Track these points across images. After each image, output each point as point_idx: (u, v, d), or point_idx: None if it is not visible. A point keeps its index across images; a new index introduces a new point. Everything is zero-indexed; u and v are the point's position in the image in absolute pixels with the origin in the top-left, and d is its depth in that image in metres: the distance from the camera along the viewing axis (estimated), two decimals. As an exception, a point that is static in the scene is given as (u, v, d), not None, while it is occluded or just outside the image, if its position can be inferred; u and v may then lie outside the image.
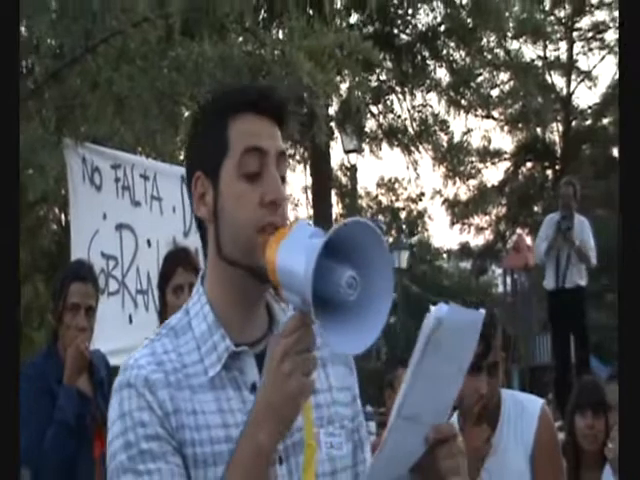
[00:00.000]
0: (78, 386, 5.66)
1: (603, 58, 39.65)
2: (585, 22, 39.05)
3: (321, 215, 30.94)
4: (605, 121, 40.14)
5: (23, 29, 11.05)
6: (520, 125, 39.31)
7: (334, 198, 33.61)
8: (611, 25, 38.66)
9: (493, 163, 41.18)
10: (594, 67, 40.03)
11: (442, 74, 32.92)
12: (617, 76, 39.35)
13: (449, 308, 2.21)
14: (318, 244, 2.10)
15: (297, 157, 31.45)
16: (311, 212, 32.22)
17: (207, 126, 2.56)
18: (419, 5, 31.40)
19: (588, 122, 40.28)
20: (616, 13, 38.29)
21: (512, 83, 36.77)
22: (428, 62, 32.35)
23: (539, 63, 38.38)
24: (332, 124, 23.12)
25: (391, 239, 45.67)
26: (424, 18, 32.04)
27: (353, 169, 30.94)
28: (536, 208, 40.80)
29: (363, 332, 2.15)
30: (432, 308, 2.23)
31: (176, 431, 2.43)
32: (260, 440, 2.28)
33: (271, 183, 2.48)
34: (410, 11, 31.70)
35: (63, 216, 14.55)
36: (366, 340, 2.15)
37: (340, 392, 2.58)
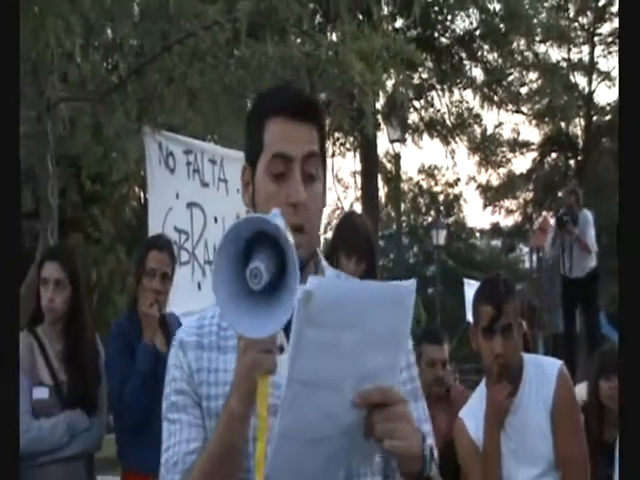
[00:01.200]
0: (155, 343, 5.71)
1: (621, 61, 39.32)
2: (605, 28, 38.71)
3: (368, 197, 31.02)
4: (622, 117, 39.86)
5: (109, 31, 11.08)
6: (546, 119, 39.10)
7: (380, 182, 33.44)
8: (629, 32, 38.35)
9: (522, 153, 40.97)
10: (613, 68, 39.64)
11: (477, 73, 33.00)
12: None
13: (318, 282, 2.10)
14: (222, 246, 2.11)
15: (347, 145, 31.41)
16: (359, 194, 32.18)
17: (252, 124, 2.54)
18: (457, 12, 31.41)
19: (607, 117, 39.88)
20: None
21: (539, 82, 36.68)
22: (464, 62, 32.33)
23: (564, 64, 38.10)
24: (379, 117, 23.02)
25: (430, 219, 45.60)
26: (461, 23, 32.11)
27: (397, 157, 30.70)
28: (560, 193, 40.57)
29: (271, 318, 2.10)
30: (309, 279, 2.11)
31: (198, 387, 2.48)
32: (231, 405, 2.25)
33: (293, 186, 2.44)
34: (449, 17, 31.70)
35: (142, 194, 14.58)
36: (271, 326, 2.10)
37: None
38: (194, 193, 8.38)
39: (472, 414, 4.89)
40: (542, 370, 4.81)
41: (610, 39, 38.57)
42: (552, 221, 14.46)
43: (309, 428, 2.14)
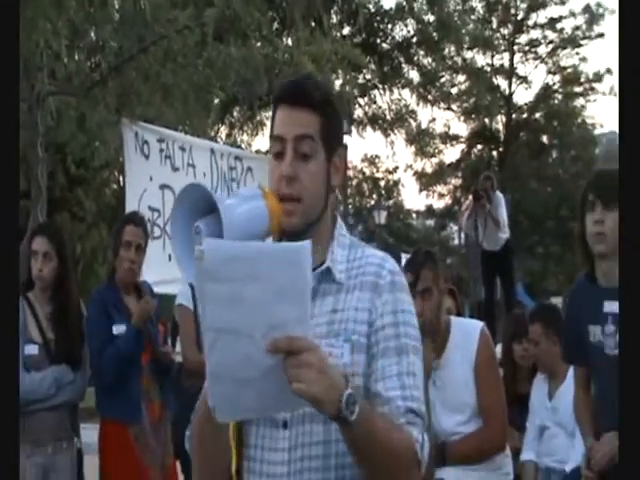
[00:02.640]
0: (129, 307, 5.72)
1: (536, 66, 39.64)
2: (523, 38, 39.07)
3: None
4: (537, 115, 40.22)
5: (92, 33, 11.02)
6: (473, 116, 39.30)
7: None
8: (542, 41, 38.70)
9: (452, 145, 41.14)
10: (529, 73, 39.92)
11: (413, 75, 33.22)
12: (547, 79, 39.49)
13: (211, 242, 2.13)
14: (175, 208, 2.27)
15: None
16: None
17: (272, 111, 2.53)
18: (396, 22, 31.53)
19: (524, 115, 40.22)
20: (547, 32, 38.47)
21: (467, 84, 37.00)
22: (403, 65, 32.52)
23: (488, 69, 38.37)
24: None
25: (372, 202, 45.67)
26: (400, 32, 32.37)
27: (344, 148, 30.92)
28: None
29: None
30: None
31: None
32: None
33: (285, 162, 2.41)
34: (389, 26, 31.82)
35: (121, 178, 14.53)
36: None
37: (359, 312, 2.40)
38: (166, 176, 8.37)
39: (406, 369, 4.92)
40: (466, 331, 4.85)
41: (527, 48, 38.98)
42: (469, 198, 14.62)
43: (233, 370, 2.14)
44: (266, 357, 2.13)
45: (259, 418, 2.39)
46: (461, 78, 36.76)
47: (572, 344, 4.64)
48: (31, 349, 5.47)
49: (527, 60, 39.60)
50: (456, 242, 40.10)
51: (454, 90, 36.98)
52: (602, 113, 66.24)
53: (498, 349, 5.88)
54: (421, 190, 43.67)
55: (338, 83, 17.97)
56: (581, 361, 4.58)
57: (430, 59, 32.76)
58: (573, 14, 38.19)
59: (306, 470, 2.35)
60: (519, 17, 38.73)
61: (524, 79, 39.73)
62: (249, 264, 2.13)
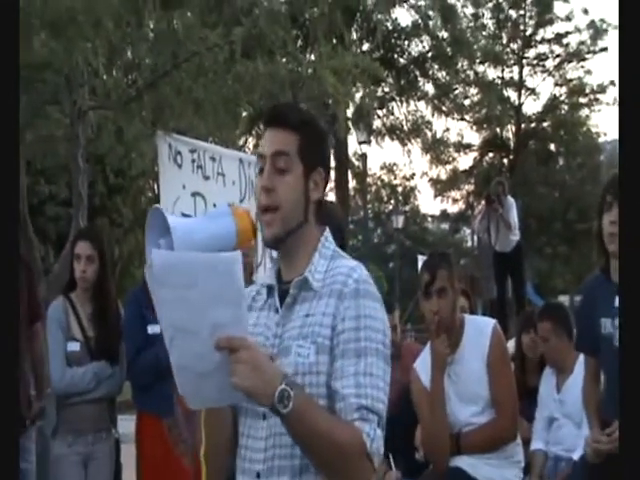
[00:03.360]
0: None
1: (544, 79, 39.49)
2: (531, 53, 38.85)
3: (340, 188, 31.10)
4: (545, 124, 40.08)
5: (129, 52, 11.04)
6: (484, 126, 39.14)
7: (350, 176, 33.42)
8: (549, 55, 38.55)
9: (465, 153, 41.00)
10: (537, 85, 39.78)
11: (429, 88, 33.18)
12: (554, 91, 39.35)
13: (157, 253, 2.25)
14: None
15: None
16: (332, 186, 32.21)
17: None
18: (412, 38, 31.45)
19: (533, 125, 40.07)
20: (554, 46, 38.35)
21: (479, 95, 36.76)
22: (419, 79, 32.49)
23: (498, 81, 38.18)
24: (349, 122, 23.01)
25: (390, 207, 45.63)
26: (416, 47, 32.28)
27: (364, 156, 30.80)
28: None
29: None
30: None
31: None
32: None
33: (263, 176, 2.48)
34: (406, 42, 31.75)
35: (155, 186, 14.58)
36: None
37: (325, 317, 2.43)
38: (197, 184, 8.34)
39: (423, 364, 4.91)
40: (479, 328, 4.84)
41: (535, 62, 38.82)
42: (482, 203, 14.62)
43: (191, 363, 2.24)
44: (215, 353, 2.21)
45: (247, 409, 2.48)
46: (473, 90, 36.65)
47: (584, 334, 4.66)
48: (73, 346, 5.50)
49: (535, 73, 39.47)
50: (469, 244, 40.02)
51: (467, 102, 36.92)
52: (606, 122, 66.02)
53: (510, 344, 5.85)
54: (436, 196, 43.58)
55: (358, 95, 18.02)
56: (591, 351, 4.60)
57: (444, 73, 32.74)
58: (578, 30, 38.01)
59: (277, 457, 2.41)
60: (527, 33, 38.55)
61: (532, 91, 39.61)
62: (187, 272, 2.22)
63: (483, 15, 37.19)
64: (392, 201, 47.91)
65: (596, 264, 4.67)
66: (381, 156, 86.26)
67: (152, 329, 5.59)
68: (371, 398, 2.32)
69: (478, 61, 34.76)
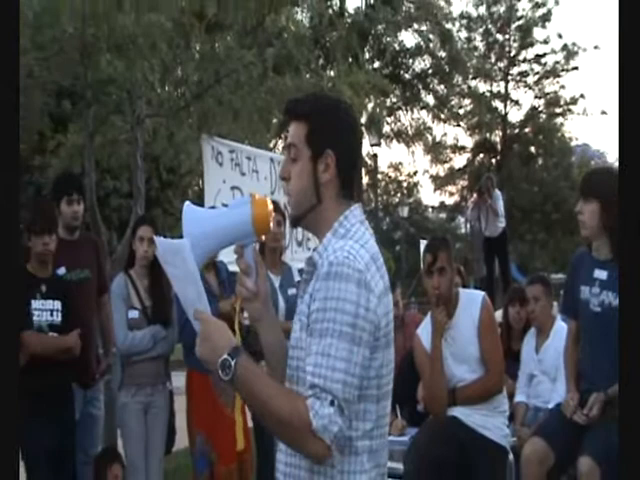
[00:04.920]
0: (209, 282, 5.64)
1: (525, 92, 39.46)
2: (515, 70, 38.79)
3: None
4: (526, 130, 40.07)
5: (179, 69, 11.04)
6: (476, 131, 39.07)
7: (363, 173, 33.40)
8: (530, 73, 38.53)
9: (459, 154, 40.92)
10: (520, 98, 39.84)
11: (429, 99, 33.00)
12: (534, 102, 39.29)
13: (156, 240, 2.24)
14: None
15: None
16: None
17: None
18: (416, 57, 31.42)
19: (516, 131, 39.98)
20: (534, 65, 38.36)
21: (471, 106, 36.72)
22: (421, 92, 32.34)
23: (488, 94, 38.16)
24: (362, 128, 22.99)
25: (397, 199, 45.57)
26: (418, 65, 32.16)
27: (375, 156, 30.76)
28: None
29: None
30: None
31: None
32: None
33: (280, 166, 2.40)
34: (410, 61, 31.70)
35: (200, 182, 14.64)
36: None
37: (308, 296, 2.19)
38: (236, 180, 8.35)
39: (425, 330, 4.92)
40: (471, 299, 4.85)
41: (518, 78, 38.83)
42: (474, 195, 14.68)
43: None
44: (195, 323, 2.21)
45: None
46: (467, 101, 36.67)
47: (568, 299, 4.71)
48: (133, 314, 5.50)
49: (518, 87, 39.44)
50: (463, 231, 40.08)
51: (461, 111, 36.90)
52: (576, 129, 65.85)
53: (497, 314, 5.85)
54: (435, 190, 43.50)
55: (370, 105, 17.98)
56: (573, 314, 4.63)
57: (442, 86, 32.80)
58: (554, 51, 38.02)
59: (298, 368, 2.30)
60: (512, 54, 38.59)
61: (516, 102, 39.58)
62: (165, 256, 2.24)
63: (475, 38, 37.36)
64: (398, 194, 47.75)
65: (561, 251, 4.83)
66: (389, 156, 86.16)
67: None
68: (324, 378, 2.05)
69: (471, 77, 34.97)
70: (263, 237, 2.37)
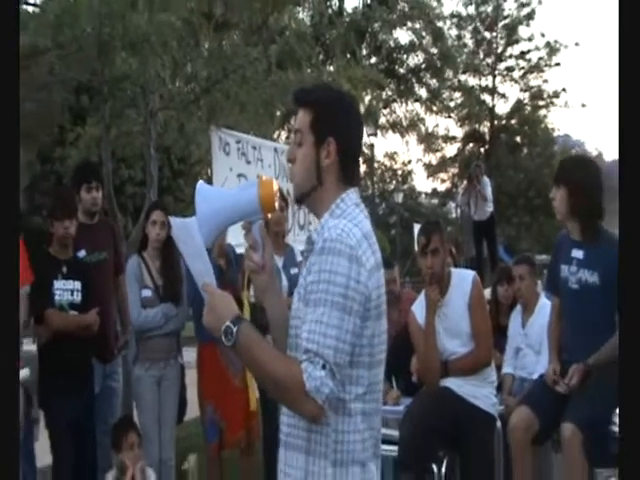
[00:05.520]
0: (220, 263, 5.61)
1: (512, 86, 39.59)
2: (502, 66, 38.75)
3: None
4: (512, 121, 40.09)
5: (189, 65, 11.01)
6: (466, 122, 39.02)
7: (361, 161, 33.32)
8: (516, 68, 38.52)
9: (450, 144, 40.84)
10: (506, 91, 39.94)
11: (422, 92, 32.87)
12: (520, 95, 39.31)
13: (171, 219, 2.27)
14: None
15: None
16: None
17: None
18: (410, 53, 31.33)
19: (503, 122, 39.96)
20: (519, 61, 38.36)
21: (462, 99, 36.66)
22: (415, 85, 32.20)
23: (477, 88, 38.12)
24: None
25: (392, 186, 45.55)
26: (412, 60, 32.03)
27: (372, 145, 30.73)
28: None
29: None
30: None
31: None
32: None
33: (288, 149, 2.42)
34: (405, 56, 31.60)
35: (209, 170, 14.66)
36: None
37: (305, 269, 2.24)
38: (242, 168, 8.34)
39: (419, 307, 4.91)
40: (462, 278, 4.85)
41: (505, 72, 38.85)
42: (465, 182, 14.72)
43: None
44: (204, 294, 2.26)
45: None
46: (457, 95, 36.56)
47: (551, 277, 4.73)
48: (146, 292, 5.49)
49: (505, 81, 39.37)
50: (454, 215, 40.10)
51: (452, 103, 36.77)
52: (558, 121, 65.90)
53: (485, 292, 5.84)
54: (428, 177, 43.53)
55: (367, 98, 17.97)
56: (555, 291, 4.63)
57: (434, 81, 32.61)
58: (538, 48, 37.98)
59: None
60: (499, 50, 38.56)
61: (503, 95, 39.54)
62: (176, 233, 2.26)
63: (464, 36, 37.24)
64: (393, 182, 47.68)
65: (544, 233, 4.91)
66: (385, 146, 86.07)
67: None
68: (317, 344, 2.09)
69: (461, 72, 34.81)
70: (269, 215, 2.42)
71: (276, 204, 2.33)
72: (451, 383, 4.70)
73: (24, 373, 4.81)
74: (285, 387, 2.11)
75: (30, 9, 9.55)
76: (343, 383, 2.17)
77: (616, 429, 4.20)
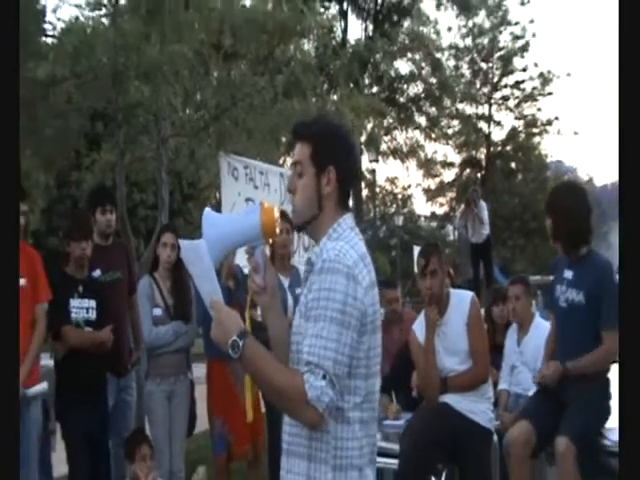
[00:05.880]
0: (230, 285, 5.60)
1: (507, 114, 39.69)
2: (498, 95, 38.97)
3: (355, 195, 31.12)
4: (507, 148, 40.25)
5: (198, 94, 11.05)
6: (464, 149, 39.13)
7: (363, 186, 33.38)
8: (511, 97, 38.75)
9: (449, 169, 40.99)
10: (502, 119, 39.88)
11: (422, 120, 32.95)
12: (514, 123, 39.46)
13: (181, 242, 2.30)
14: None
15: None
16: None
17: None
18: (410, 83, 31.44)
19: (499, 148, 40.08)
20: (514, 90, 38.60)
21: (459, 126, 36.73)
22: (415, 114, 32.30)
23: (474, 116, 38.23)
24: (362, 146, 22.99)
25: (392, 209, 45.57)
26: (412, 90, 32.15)
27: (373, 171, 30.84)
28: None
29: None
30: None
31: None
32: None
33: (288, 180, 2.46)
34: (405, 86, 31.72)
35: (218, 194, 14.65)
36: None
37: (306, 289, 2.31)
38: (249, 192, 8.35)
39: (419, 326, 4.91)
40: (461, 298, 4.84)
41: (500, 101, 39.07)
42: (462, 206, 14.73)
43: None
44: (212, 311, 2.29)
45: None
46: (455, 122, 36.71)
47: (549, 295, 4.79)
48: (157, 311, 5.51)
49: (501, 110, 39.60)
50: (451, 238, 40.09)
51: (450, 131, 36.97)
52: (551, 148, 66.07)
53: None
54: (427, 201, 43.64)
55: (369, 126, 18.00)
56: (551, 308, 4.69)
57: (433, 109, 32.76)
58: (532, 78, 38.34)
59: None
60: (495, 80, 38.80)
61: (498, 123, 39.73)
62: (185, 254, 2.30)
63: (462, 66, 37.52)
64: (394, 205, 47.71)
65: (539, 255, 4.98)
66: (386, 171, 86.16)
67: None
68: (317, 356, 2.16)
69: (458, 100, 34.97)
70: (271, 241, 2.46)
71: (277, 229, 2.39)
72: (450, 399, 4.69)
73: (42, 387, 4.83)
74: (288, 396, 2.17)
75: (49, 40, 9.61)
76: (342, 393, 2.23)
77: (607, 442, 4.22)
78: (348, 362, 2.21)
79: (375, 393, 2.34)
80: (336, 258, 2.23)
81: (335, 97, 15.00)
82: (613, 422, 4.32)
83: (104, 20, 9.78)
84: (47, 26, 9.97)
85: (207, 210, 2.38)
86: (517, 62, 38.41)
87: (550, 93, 38.59)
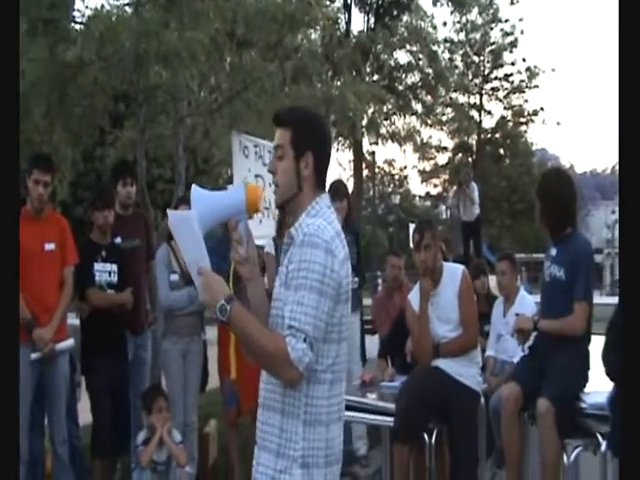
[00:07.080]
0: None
1: (496, 104, 39.92)
2: (488, 86, 39.10)
3: (357, 175, 31.10)
4: (497, 135, 40.28)
5: (212, 78, 10.98)
6: (456, 134, 39.08)
7: (363, 167, 33.23)
8: (500, 88, 38.77)
9: (442, 153, 41.03)
10: (492, 109, 39.87)
11: (418, 107, 32.81)
12: (503, 113, 39.39)
13: (169, 213, 2.31)
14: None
15: (346, 145, 31.06)
16: (351, 173, 32.22)
17: None
18: (408, 72, 31.36)
19: (489, 135, 40.08)
20: (503, 82, 38.61)
21: (453, 114, 36.64)
22: (412, 101, 32.17)
23: (466, 105, 38.21)
24: (363, 129, 22.86)
25: (390, 189, 45.58)
26: (410, 79, 32.01)
27: (373, 153, 30.77)
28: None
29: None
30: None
31: None
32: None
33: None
34: (403, 75, 31.62)
35: (229, 171, 14.64)
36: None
37: (287, 260, 2.31)
38: (258, 169, 8.26)
39: (414, 296, 4.89)
40: (453, 271, 4.83)
41: (491, 92, 39.11)
42: (455, 187, 14.71)
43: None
44: (198, 277, 2.29)
45: None
46: (449, 110, 36.58)
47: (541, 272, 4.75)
48: (174, 277, 5.48)
49: (491, 100, 39.73)
50: (444, 216, 40.16)
51: (444, 118, 36.83)
52: (537, 136, 66.12)
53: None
54: (422, 182, 43.80)
55: (370, 111, 17.90)
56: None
57: (429, 97, 32.54)
58: (519, 72, 38.58)
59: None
60: (486, 72, 38.84)
61: (489, 112, 39.80)
62: (174, 225, 2.30)
63: (456, 59, 37.49)
64: (391, 185, 47.69)
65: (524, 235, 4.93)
66: (384, 153, 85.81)
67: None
68: (298, 321, 2.19)
69: (452, 90, 34.78)
70: (254, 215, 2.47)
71: (260, 206, 2.42)
72: (442, 363, 4.69)
73: (69, 343, 4.90)
74: (272, 357, 2.19)
75: (77, 27, 9.55)
76: (317, 355, 2.25)
77: (584, 405, 4.24)
78: (325, 327, 2.25)
79: (344, 355, 2.38)
80: (316, 232, 2.26)
81: (339, 83, 14.93)
82: (589, 387, 4.34)
83: (127, 9, 9.74)
84: (76, 13, 9.94)
85: (194, 187, 2.38)
86: (506, 56, 38.46)
87: (536, 86, 38.64)
